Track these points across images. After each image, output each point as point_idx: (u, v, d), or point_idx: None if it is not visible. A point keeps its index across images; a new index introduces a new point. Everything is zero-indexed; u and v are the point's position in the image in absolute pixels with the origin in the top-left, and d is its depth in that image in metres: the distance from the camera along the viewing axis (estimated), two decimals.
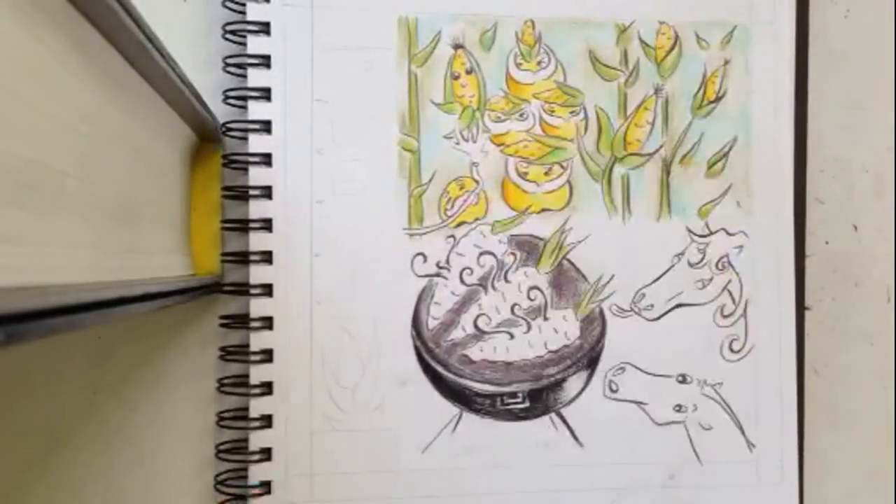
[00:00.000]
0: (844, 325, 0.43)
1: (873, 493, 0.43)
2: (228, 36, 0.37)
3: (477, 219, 0.39)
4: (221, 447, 0.37)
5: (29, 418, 0.37)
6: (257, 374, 0.37)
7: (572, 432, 0.39)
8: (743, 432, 0.40)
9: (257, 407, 0.37)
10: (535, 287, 0.39)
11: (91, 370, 0.38)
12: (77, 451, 0.37)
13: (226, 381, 0.37)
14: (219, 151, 0.37)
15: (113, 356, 0.38)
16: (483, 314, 0.39)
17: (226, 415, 0.37)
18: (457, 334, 0.39)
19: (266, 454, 0.37)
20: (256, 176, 0.37)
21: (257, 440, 0.37)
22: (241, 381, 0.37)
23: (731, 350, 0.40)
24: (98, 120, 0.23)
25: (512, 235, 0.39)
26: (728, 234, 0.41)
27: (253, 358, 0.37)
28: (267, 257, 0.37)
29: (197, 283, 0.34)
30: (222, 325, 0.37)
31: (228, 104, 0.37)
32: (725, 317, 0.40)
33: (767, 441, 0.40)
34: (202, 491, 0.38)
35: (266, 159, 0.37)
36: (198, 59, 0.38)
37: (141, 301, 0.25)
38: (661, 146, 0.40)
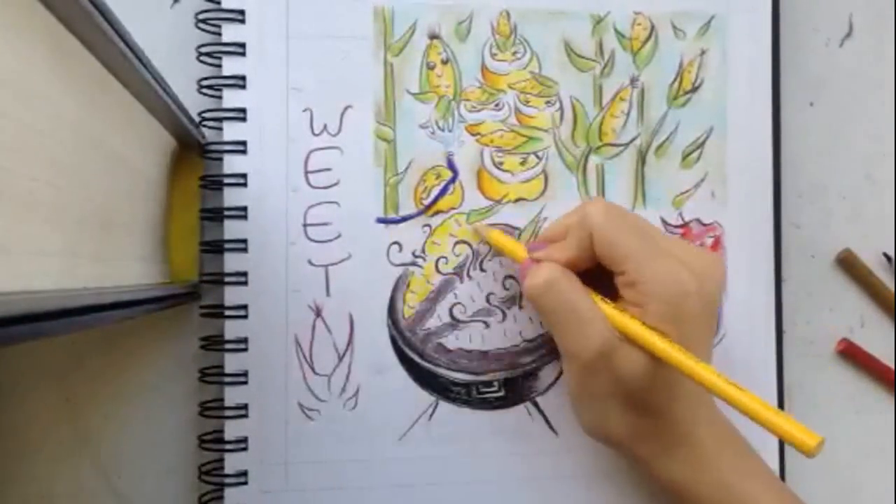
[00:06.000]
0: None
1: None
2: (202, 25, 0.37)
3: (452, 208, 0.39)
4: (205, 437, 0.37)
5: (1, 425, 0.37)
6: (232, 362, 0.37)
7: (547, 420, 0.40)
8: None
9: (233, 396, 0.37)
10: (511, 276, 0.39)
11: (67, 372, 0.37)
12: (50, 457, 0.37)
13: (208, 371, 0.37)
14: (200, 159, 0.37)
15: (90, 354, 0.37)
16: (458, 303, 0.39)
17: (211, 405, 0.37)
18: (432, 323, 0.39)
19: (243, 443, 0.37)
20: (232, 164, 0.37)
21: (233, 429, 0.37)
22: (223, 371, 0.37)
23: None
24: (73, 126, 0.23)
25: (487, 225, 0.39)
26: (702, 224, 0.41)
27: (228, 346, 0.37)
28: (242, 245, 0.37)
29: (171, 291, 0.34)
30: (203, 316, 0.37)
31: (203, 93, 0.37)
32: None
33: (739, 427, 0.40)
34: (181, 492, 0.38)
35: (241, 147, 0.37)
36: (172, 48, 0.38)
37: (111, 309, 0.25)
38: (636, 136, 0.40)
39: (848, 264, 0.43)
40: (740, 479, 0.34)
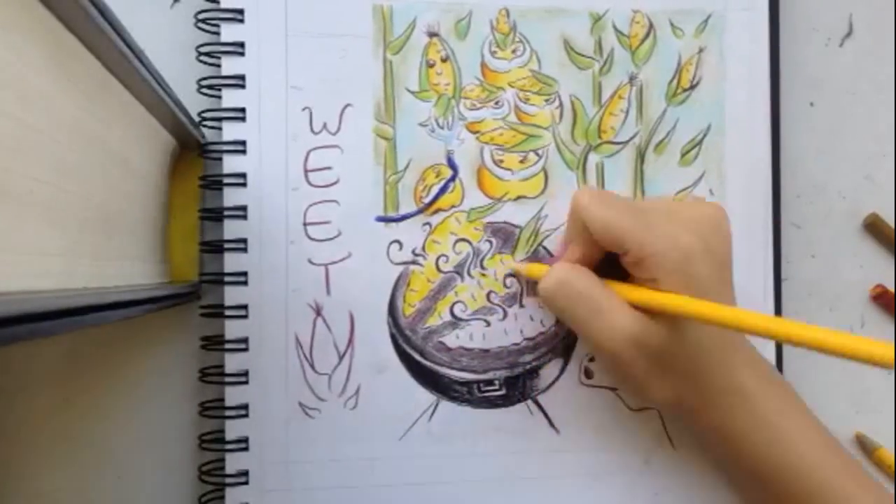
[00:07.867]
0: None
1: None
2: (202, 25, 0.37)
3: (453, 206, 0.39)
4: (205, 437, 0.37)
5: (1, 424, 0.37)
6: (233, 362, 0.37)
7: (549, 419, 0.40)
8: None
9: (233, 396, 0.37)
10: (511, 275, 0.39)
11: (66, 371, 0.37)
12: (50, 456, 0.37)
13: (208, 371, 0.37)
14: (200, 159, 0.37)
15: (90, 354, 0.37)
16: (459, 301, 0.39)
17: (211, 404, 0.37)
18: (433, 322, 0.39)
19: (244, 443, 0.37)
20: (231, 164, 0.37)
21: (234, 429, 0.37)
22: (223, 371, 0.37)
23: None
24: (73, 126, 0.23)
25: (488, 223, 0.39)
26: None
27: (228, 346, 0.37)
28: (242, 245, 0.37)
29: (171, 291, 0.34)
30: (203, 316, 0.37)
31: (203, 93, 0.37)
32: None
33: None
34: (181, 491, 0.38)
35: (241, 147, 0.37)
36: (172, 48, 0.38)
37: (111, 309, 0.25)
38: (635, 134, 0.40)
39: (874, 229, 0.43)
40: (783, 419, 0.34)
